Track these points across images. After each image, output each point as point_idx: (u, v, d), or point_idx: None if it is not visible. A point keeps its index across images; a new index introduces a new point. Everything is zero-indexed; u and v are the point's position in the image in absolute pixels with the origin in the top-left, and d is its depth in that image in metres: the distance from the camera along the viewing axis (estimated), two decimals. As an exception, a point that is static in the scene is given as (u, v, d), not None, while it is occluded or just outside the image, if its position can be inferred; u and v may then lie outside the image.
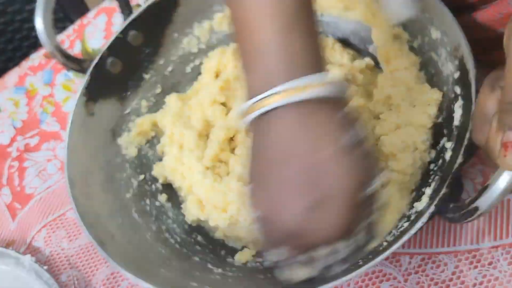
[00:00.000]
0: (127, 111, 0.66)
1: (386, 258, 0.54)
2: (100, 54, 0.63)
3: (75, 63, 0.62)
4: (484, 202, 0.36)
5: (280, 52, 0.35)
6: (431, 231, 0.54)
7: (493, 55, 0.50)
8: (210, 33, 0.69)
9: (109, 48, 0.63)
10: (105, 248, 0.50)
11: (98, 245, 0.50)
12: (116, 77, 0.64)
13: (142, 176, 0.64)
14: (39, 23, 0.57)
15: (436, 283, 0.52)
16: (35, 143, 0.75)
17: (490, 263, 0.51)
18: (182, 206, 0.62)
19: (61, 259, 0.65)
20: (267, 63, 0.35)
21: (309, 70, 0.35)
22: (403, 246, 0.54)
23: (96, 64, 0.62)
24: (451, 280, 0.52)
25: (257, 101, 0.36)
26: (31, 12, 0.96)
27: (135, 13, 0.65)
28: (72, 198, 0.54)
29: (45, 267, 0.62)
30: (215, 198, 0.57)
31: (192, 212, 0.58)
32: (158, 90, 0.68)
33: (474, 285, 0.51)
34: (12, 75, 0.82)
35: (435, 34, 0.53)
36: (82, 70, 0.62)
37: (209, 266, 0.55)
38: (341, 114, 0.36)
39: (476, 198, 0.37)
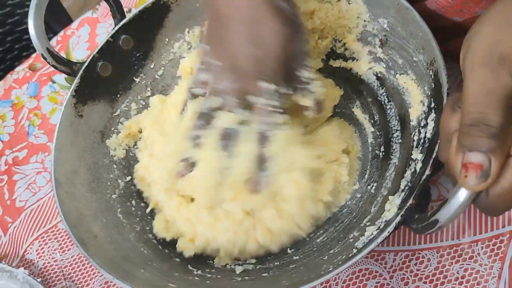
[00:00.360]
0: (116, 113, 0.67)
1: (372, 256, 0.56)
2: (90, 57, 0.64)
3: (66, 66, 0.63)
4: (443, 215, 0.37)
5: None
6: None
7: (449, 44, 0.53)
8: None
9: (100, 51, 0.65)
10: (86, 248, 0.51)
11: (79, 244, 0.52)
12: (106, 80, 0.66)
13: (128, 177, 0.65)
14: (31, 26, 0.59)
15: (420, 279, 0.54)
16: (23, 156, 0.76)
17: (471, 258, 0.53)
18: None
19: (54, 271, 0.66)
20: None
21: None
22: (387, 243, 0.56)
23: (87, 67, 0.64)
24: (434, 275, 0.53)
25: None
26: (14, 25, 0.97)
27: (127, 17, 0.66)
28: (57, 197, 0.55)
29: (39, 280, 0.63)
30: (183, 225, 0.57)
31: (159, 231, 0.59)
32: (148, 93, 0.70)
33: (457, 279, 0.53)
34: (-3, 89, 0.83)
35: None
36: (73, 73, 0.63)
37: (189, 267, 0.56)
38: None
39: (436, 211, 0.38)
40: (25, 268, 0.65)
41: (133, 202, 0.63)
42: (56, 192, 0.56)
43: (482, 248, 0.53)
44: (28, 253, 0.68)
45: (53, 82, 0.81)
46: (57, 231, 0.68)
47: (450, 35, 0.54)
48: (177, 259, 0.57)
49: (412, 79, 0.56)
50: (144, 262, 0.55)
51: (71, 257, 0.66)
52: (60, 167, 0.58)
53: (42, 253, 0.67)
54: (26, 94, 0.81)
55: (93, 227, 0.56)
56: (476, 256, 0.53)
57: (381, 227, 0.48)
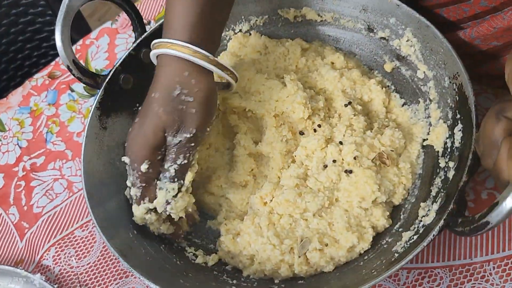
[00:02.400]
0: None
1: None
2: (113, 70, 0.65)
3: (90, 78, 0.64)
4: (494, 217, 0.40)
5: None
6: (427, 246, 0.58)
7: (483, 67, 0.55)
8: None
9: (122, 64, 0.66)
10: (127, 260, 0.52)
11: (120, 256, 0.52)
12: (128, 92, 0.67)
13: None
14: (58, 39, 0.60)
15: (432, 297, 0.55)
16: (41, 163, 0.76)
17: (482, 277, 0.55)
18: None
19: (70, 277, 0.66)
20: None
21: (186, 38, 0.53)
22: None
23: (109, 79, 0.64)
24: (446, 293, 0.55)
25: (155, 44, 0.55)
26: (34, 33, 0.99)
27: (148, 31, 0.67)
28: (91, 209, 0.56)
29: (55, 286, 0.64)
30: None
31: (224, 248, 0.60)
32: None
33: (468, 297, 0.54)
34: (16, 95, 0.83)
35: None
36: (96, 85, 0.64)
37: (224, 277, 0.57)
38: (188, 74, 0.53)
39: (486, 214, 0.41)
40: (41, 274, 0.65)
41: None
42: (89, 204, 0.56)
43: (494, 268, 0.55)
44: (44, 259, 0.68)
45: (72, 90, 0.82)
46: (73, 238, 0.69)
47: (485, 58, 0.56)
48: (210, 269, 0.58)
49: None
50: (180, 272, 0.56)
51: (87, 264, 0.67)
52: (90, 179, 0.59)
53: (59, 259, 0.67)
54: (45, 101, 0.82)
55: (127, 239, 0.56)
56: (488, 276, 0.54)
57: (420, 231, 0.50)
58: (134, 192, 0.55)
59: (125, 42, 0.84)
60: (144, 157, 0.53)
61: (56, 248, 0.68)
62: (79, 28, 0.97)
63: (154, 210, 0.56)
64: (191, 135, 0.53)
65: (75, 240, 0.69)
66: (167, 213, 0.56)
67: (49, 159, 0.76)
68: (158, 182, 0.55)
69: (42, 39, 1.01)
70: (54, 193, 0.73)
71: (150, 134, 0.53)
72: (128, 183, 0.56)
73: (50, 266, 0.67)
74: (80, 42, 0.86)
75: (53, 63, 0.85)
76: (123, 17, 0.87)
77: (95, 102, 0.63)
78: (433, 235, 0.46)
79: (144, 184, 0.54)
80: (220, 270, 0.58)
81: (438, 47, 0.56)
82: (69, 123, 0.79)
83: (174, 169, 0.54)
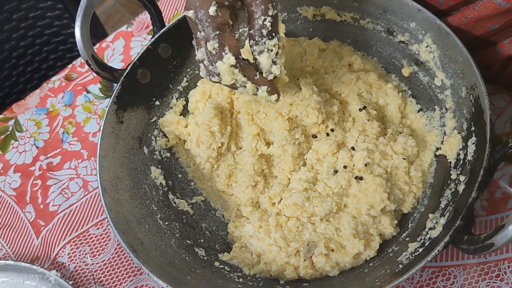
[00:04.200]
0: (152, 120, 0.69)
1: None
2: (131, 65, 0.66)
3: (108, 72, 0.64)
4: (500, 240, 0.40)
5: None
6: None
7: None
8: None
9: (140, 59, 0.66)
10: (137, 256, 0.53)
11: (131, 251, 0.53)
12: (144, 86, 0.68)
13: (165, 182, 0.66)
14: (78, 34, 0.61)
15: (446, 295, 0.55)
16: (57, 162, 0.77)
17: (497, 276, 0.55)
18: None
19: (85, 274, 0.67)
20: None
21: None
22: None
23: (127, 74, 0.65)
24: (460, 292, 0.55)
25: None
26: (51, 35, 1.01)
27: (166, 26, 0.68)
28: (105, 204, 0.57)
29: (70, 282, 0.65)
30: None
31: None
32: (182, 100, 0.72)
33: (483, 297, 0.54)
34: (33, 97, 0.85)
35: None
36: (114, 80, 0.65)
37: (231, 275, 0.58)
38: None
39: (491, 236, 0.40)
40: (57, 271, 0.66)
41: (171, 207, 0.65)
42: (103, 198, 0.57)
43: (508, 267, 0.55)
44: (60, 256, 0.69)
45: (88, 92, 0.83)
46: (88, 235, 0.70)
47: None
48: (217, 266, 0.59)
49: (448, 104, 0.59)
50: (188, 269, 0.57)
51: (102, 261, 0.68)
52: (105, 173, 0.60)
53: (74, 256, 0.69)
54: (61, 102, 0.83)
55: (138, 234, 0.57)
56: (502, 275, 0.54)
57: (426, 244, 0.50)
58: (211, 46, 0.50)
59: (140, 44, 0.85)
60: None
61: (71, 245, 0.70)
62: (96, 33, 0.99)
63: (237, 65, 0.52)
64: None
65: (90, 238, 0.70)
66: (273, 75, 0.53)
67: (65, 159, 0.78)
68: (254, 47, 0.51)
69: (59, 42, 1.02)
70: (69, 192, 0.74)
71: None
72: (199, 54, 0.52)
73: (66, 263, 0.68)
74: (97, 45, 0.88)
75: (69, 65, 0.87)
76: (138, 21, 0.88)
77: (112, 96, 0.64)
78: (438, 250, 0.46)
79: (218, 32, 0.50)
80: (227, 267, 0.59)
81: (458, 56, 0.55)
82: (85, 124, 0.80)
83: (269, 21, 0.50)
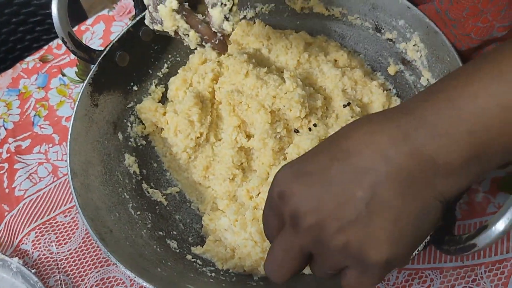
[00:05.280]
0: (129, 105, 0.66)
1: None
2: (110, 46, 0.63)
3: (84, 52, 0.62)
4: (482, 240, 0.38)
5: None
6: (417, 248, 0.57)
7: None
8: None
9: (119, 40, 0.64)
10: (105, 244, 0.50)
11: (98, 239, 0.50)
12: (122, 70, 0.65)
13: (139, 171, 0.64)
14: (54, 9, 0.58)
15: (422, 299, 0.54)
16: (26, 146, 0.74)
17: (473, 280, 0.54)
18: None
19: (49, 263, 0.64)
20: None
21: None
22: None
23: (105, 55, 0.63)
24: (436, 296, 0.54)
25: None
26: (28, 15, 0.97)
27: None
28: (73, 189, 0.54)
29: (33, 271, 0.61)
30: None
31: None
32: (161, 87, 0.69)
33: (459, 301, 0.53)
34: (5, 77, 0.81)
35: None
36: (91, 60, 0.62)
37: (203, 269, 0.56)
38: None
39: (474, 236, 0.39)
40: (19, 258, 0.63)
41: (144, 197, 0.62)
42: (72, 183, 0.55)
43: (485, 272, 0.54)
44: (23, 243, 0.66)
45: (63, 75, 0.80)
46: (55, 223, 0.67)
47: None
48: (189, 259, 0.57)
49: None
50: (159, 260, 0.54)
51: (68, 250, 0.64)
52: (75, 156, 0.57)
53: (38, 244, 0.65)
54: (34, 84, 0.79)
55: (108, 222, 0.55)
56: (479, 279, 0.54)
57: None
58: None
59: (121, 29, 0.82)
60: None
61: (36, 232, 0.66)
62: (78, 18, 0.95)
63: (180, 11, 0.50)
64: None
65: (57, 226, 0.67)
66: (224, 32, 0.51)
67: (35, 143, 0.74)
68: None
69: (36, 23, 0.98)
70: (38, 177, 0.71)
71: None
72: (146, 0, 0.51)
73: (29, 250, 0.65)
74: (75, 28, 0.84)
75: (46, 47, 0.83)
76: (120, 5, 0.85)
77: (87, 78, 0.61)
78: (418, 250, 0.45)
79: None
80: (199, 261, 0.57)
81: (445, 56, 0.55)
82: (58, 107, 0.77)
83: None
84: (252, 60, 0.65)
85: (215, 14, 0.50)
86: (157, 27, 0.52)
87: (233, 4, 0.50)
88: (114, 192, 0.59)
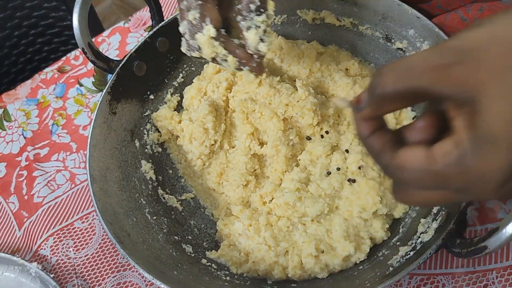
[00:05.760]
0: (146, 113, 0.68)
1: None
2: (128, 56, 0.65)
3: (103, 62, 0.64)
4: (493, 243, 0.39)
5: None
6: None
7: None
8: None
9: (137, 51, 0.66)
10: (123, 247, 0.52)
11: (117, 242, 0.52)
12: (139, 79, 0.67)
13: (155, 177, 0.65)
14: (75, 20, 0.60)
15: (434, 303, 0.55)
16: (44, 153, 0.76)
17: (485, 286, 0.55)
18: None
19: (67, 268, 0.65)
20: None
21: None
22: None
23: (123, 65, 0.65)
24: (448, 301, 0.55)
25: None
26: (46, 27, 1.00)
27: (166, 20, 0.68)
28: (93, 194, 0.56)
29: (51, 275, 0.63)
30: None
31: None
32: (177, 96, 0.71)
33: (471, 306, 0.54)
34: (24, 87, 0.83)
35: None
36: (109, 70, 0.64)
37: (218, 272, 0.57)
38: None
39: (485, 239, 0.40)
40: (38, 263, 0.64)
41: (160, 203, 0.64)
42: (92, 188, 0.56)
43: (497, 277, 0.54)
44: (42, 248, 0.67)
45: (81, 85, 0.82)
46: (72, 229, 0.68)
47: None
48: (204, 263, 0.58)
49: None
50: (175, 264, 0.55)
51: (85, 256, 0.66)
52: (94, 163, 0.59)
53: (56, 250, 0.67)
54: (52, 94, 0.82)
55: (125, 226, 0.56)
56: (490, 285, 0.54)
57: (417, 248, 0.50)
58: (192, 16, 0.49)
59: (137, 40, 0.84)
60: None
61: (54, 238, 0.68)
62: (94, 28, 0.98)
63: (218, 38, 0.51)
64: None
65: (74, 232, 0.68)
66: (259, 53, 0.51)
67: (53, 151, 0.76)
68: (242, 23, 0.50)
69: (54, 34, 1.01)
70: (56, 184, 0.73)
71: None
72: (181, 27, 0.52)
73: (47, 256, 0.66)
74: (92, 39, 0.87)
75: (63, 58, 0.86)
76: (136, 17, 0.87)
77: (106, 86, 0.63)
78: (430, 253, 0.46)
79: (200, 2, 0.49)
80: (214, 265, 0.58)
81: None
82: (76, 116, 0.79)
83: None
84: (265, 70, 0.66)
85: (251, 37, 0.50)
86: (194, 54, 0.53)
87: (267, 26, 0.51)
88: (131, 198, 0.61)
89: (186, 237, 0.61)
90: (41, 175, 0.74)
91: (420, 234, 0.52)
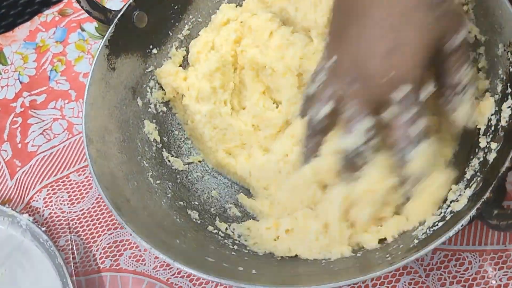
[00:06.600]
0: (149, 70, 0.63)
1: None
2: (126, 6, 0.59)
3: (100, 12, 0.58)
4: None
5: None
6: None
7: None
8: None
9: (137, 0, 0.59)
10: (120, 214, 0.47)
11: (114, 209, 0.47)
12: (141, 31, 0.61)
13: (159, 139, 0.61)
14: None
15: (459, 281, 0.50)
16: (41, 100, 0.71)
17: (516, 266, 0.50)
18: None
19: (60, 223, 0.61)
20: None
21: None
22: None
23: (122, 15, 0.59)
24: (474, 279, 0.50)
25: None
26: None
27: None
28: (89, 156, 0.51)
29: (43, 229, 0.58)
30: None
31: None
32: (182, 51, 0.65)
33: (499, 286, 0.49)
34: (23, 30, 0.78)
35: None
36: (107, 21, 0.58)
37: (225, 241, 0.52)
38: None
39: None
40: (29, 215, 0.60)
41: (165, 166, 0.59)
42: (88, 150, 0.51)
43: (530, 257, 0.49)
44: (34, 200, 0.64)
45: (83, 30, 0.76)
46: (68, 181, 0.64)
47: None
48: (210, 230, 0.54)
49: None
50: (178, 231, 0.51)
51: (80, 210, 0.62)
52: (91, 123, 0.54)
53: (50, 202, 0.63)
54: (52, 38, 0.76)
55: (125, 191, 0.52)
56: (522, 265, 0.49)
57: (447, 218, 0.44)
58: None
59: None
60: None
61: (48, 190, 0.64)
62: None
63: None
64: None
65: (70, 184, 0.64)
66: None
67: (50, 98, 0.72)
68: (448, 106, 0.45)
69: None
70: (52, 133, 0.69)
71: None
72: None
73: (40, 208, 0.63)
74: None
75: (65, 0, 0.80)
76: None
77: (103, 40, 0.58)
78: (462, 225, 0.41)
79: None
80: (221, 233, 0.54)
81: (496, 8, 0.48)
82: (76, 63, 0.74)
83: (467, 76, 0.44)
84: (277, 20, 0.60)
85: (461, 117, 0.46)
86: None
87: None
88: (133, 161, 0.56)
89: (192, 203, 0.57)
90: (36, 123, 0.70)
91: (451, 202, 0.46)
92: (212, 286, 0.55)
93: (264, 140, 0.59)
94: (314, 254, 0.49)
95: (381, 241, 0.48)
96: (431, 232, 0.45)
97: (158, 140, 0.60)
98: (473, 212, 0.41)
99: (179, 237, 0.50)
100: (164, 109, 0.63)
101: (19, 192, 0.65)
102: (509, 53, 0.48)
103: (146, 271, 0.57)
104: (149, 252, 0.57)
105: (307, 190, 0.51)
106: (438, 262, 0.51)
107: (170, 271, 0.56)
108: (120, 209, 0.48)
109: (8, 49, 0.77)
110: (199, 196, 0.58)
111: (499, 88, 0.49)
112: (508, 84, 0.48)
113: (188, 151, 0.62)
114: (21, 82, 0.73)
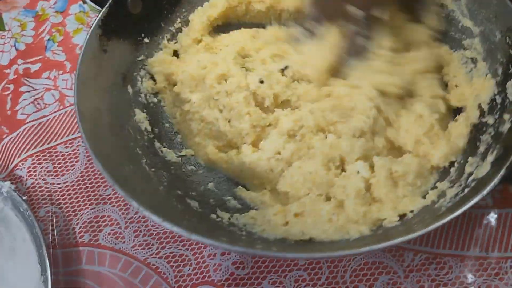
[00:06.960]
0: (139, 58, 0.61)
1: (389, 251, 0.51)
2: None
3: None
4: None
5: None
6: (440, 231, 0.52)
7: None
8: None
9: None
10: (123, 189, 0.44)
11: (116, 184, 0.44)
12: (134, 18, 0.60)
13: (150, 128, 0.58)
14: None
15: (437, 285, 0.49)
16: (35, 69, 0.69)
17: (496, 274, 0.49)
18: None
19: (42, 193, 0.59)
20: None
21: None
22: (408, 241, 0.51)
23: None
24: (453, 284, 0.49)
25: None
26: None
27: None
28: (83, 131, 0.48)
29: (24, 197, 0.57)
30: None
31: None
32: (174, 43, 0.64)
33: (477, 293, 0.48)
34: (24, -3, 0.77)
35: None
36: (100, 3, 0.58)
37: (231, 228, 0.50)
38: None
39: None
40: (11, 183, 0.59)
41: (158, 156, 0.56)
42: (82, 126, 0.49)
43: (511, 266, 0.49)
44: (18, 168, 0.61)
45: (84, 2, 0.75)
46: (54, 153, 0.62)
47: None
48: (213, 218, 0.51)
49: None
50: (181, 216, 0.48)
51: (64, 182, 0.60)
52: (84, 100, 0.51)
53: (34, 172, 0.60)
54: (52, 8, 0.75)
55: (123, 171, 0.49)
56: (503, 274, 0.49)
57: (471, 185, 0.45)
58: None
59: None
60: None
61: (33, 159, 0.62)
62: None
63: None
64: None
65: (56, 156, 0.62)
66: None
67: (45, 67, 0.69)
68: None
69: None
70: (43, 103, 0.67)
71: None
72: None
73: (23, 177, 0.61)
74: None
75: (67, -29, 0.78)
76: None
77: (97, 19, 0.56)
78: (494, 184, 0.41)
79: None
80: (225, 220, 0.51)
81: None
82: (74, 35, 0.72)
83: None
84: None
85: None
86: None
87: None
88: (126, 146, 0.53)
89: (190, 193, 0.54)
90: (28, 91, 0.67)
91: (469, 174, 0.47)
92: (189, 269, 0.54)
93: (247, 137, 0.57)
94: (331, 235, 0.47)
95: (402, 217, 0.48)
96: (458, 199, 0.45)
97: (150, 130, 0.58)
98: (502, 172, 0.42)
99: (183, 221, 0.46)
100: (155, 100, 0.61)
101: (3, 159, 0.61)
102: (507, 37, 0.50)
103: (124, 249, 0.54)
104: (129, 230, 0.56)
105: (326, 172, 0.51)
106: (419, 264, 0.50)
107: (149, 251, 0.54)
108: (120, 185, 0.45)
109: (7, 15, 0.75)
110: (195, 188, 0.55)
111: (500, 70, 0.52)
112: (510, 65, 0.50)
113: (180, 144, 0.59)
114: (16, 49, 0.72)
